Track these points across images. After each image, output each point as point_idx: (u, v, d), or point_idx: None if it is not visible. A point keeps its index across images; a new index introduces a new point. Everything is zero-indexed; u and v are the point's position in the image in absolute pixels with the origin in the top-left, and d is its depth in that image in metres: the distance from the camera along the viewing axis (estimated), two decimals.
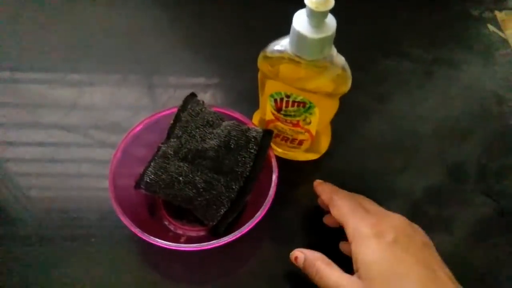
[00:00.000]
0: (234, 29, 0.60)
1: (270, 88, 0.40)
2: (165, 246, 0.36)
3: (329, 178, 0.42)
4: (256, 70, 0.40)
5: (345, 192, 0.39)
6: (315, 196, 0.41)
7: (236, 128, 0.40)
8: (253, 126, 0.42)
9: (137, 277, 0.41)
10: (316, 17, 0.32)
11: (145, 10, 0.62)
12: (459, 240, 0.43)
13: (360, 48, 0.55)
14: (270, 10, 0.61)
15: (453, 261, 0.33)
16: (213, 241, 0.36)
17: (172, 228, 0.42)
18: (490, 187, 0.47)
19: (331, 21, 0.33)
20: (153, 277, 0.41)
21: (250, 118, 0.47)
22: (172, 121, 0.41)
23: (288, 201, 0.44)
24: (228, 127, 0.40)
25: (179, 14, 0.62)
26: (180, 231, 0.42)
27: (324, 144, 0.48)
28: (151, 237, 0.36)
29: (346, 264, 0.35)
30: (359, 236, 0.34)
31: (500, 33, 0.61)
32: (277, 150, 0.47)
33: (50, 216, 0.44)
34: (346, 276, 0.34)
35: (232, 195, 0.39)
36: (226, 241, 0.36)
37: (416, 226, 0.35)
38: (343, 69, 0.37)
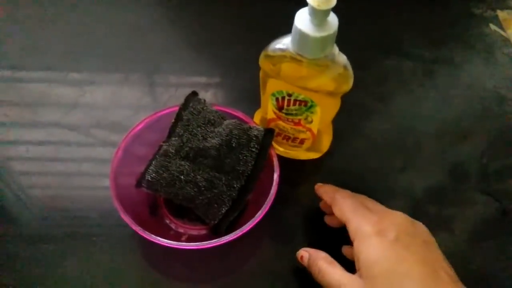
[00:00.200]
0: (235, 28, 0.60)
1: (271, 87, 0.40)
2: (167, 244, 0.36)
3: (330, 177, 0.42)
4: (257, 68, 0.40)
5: (347, 191, 0.39)
6: (316, 195, 0.41)
7: (238, 127, 0.40)
8: (254, 125, 0.42)
9: (138, 276, 0.41)
10: (318, 16, 0.32)
11: (147, 9, 0.62)
12: (460, 240, 0.43)
13: (361, 47, 0.55)
14: (272, 9, 0.61)
15: (454, 261, 0.33)
16: (214, 240, 0.36)
17: (173, 227, 0.42)
18: (491, 187, 0.47)
19: (333, 20, 0.33)
20: (154, 276, 0.41)
21: (252, 117, 0.47)
22: (173, 120, 0.41)
23: (289, 200, 0.44)
24: (230, 126, 0.40)
25: (180, 13, 0.62)
26: (181, 230, 0.42)
27: (326, 143, 0.48)
28: (153, 236, 0.36)
29: (348, 264, 0.35)
30: (361, 234, 0.34)
31: (502, 32, 0.61)
32: (279, 149, 0.47)
33: (51, 215, 0.44)
34: (347, 275, 0.34)
35: (234, 194, 0.39)
36: (227, 240, 0.36)
37: (418, 223, 0.35)
38: (345, 68, 0.37)
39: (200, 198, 0.39)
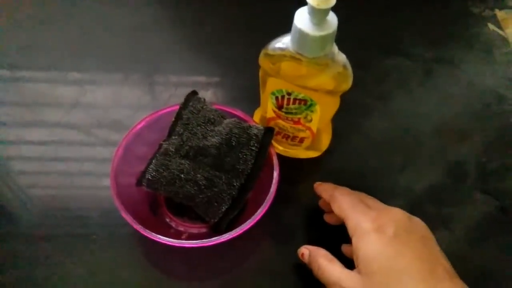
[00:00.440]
0: (235, 27, 0.60)
1: (271, 86, 0.40)
2: (167, 242, 0.36)
3: (329, 176, 0.42)
4: (257, 67, 0.40)
5: (346, 188, 0.39)
6: (316, 194, 0.41)
7: (238, 126, 0.40)
8: (254, 124, 0.42)
9: (138, 274, 0.41)
10: (318, 15, 0.32)
11: (147, 9, 0.62)
12: (460, 239, 0.44)
13: (360, 46, 0.55)
14: (271, 8, 0.61)
15: (453, 259, 0.33)
16: (214, 238, 0.36)
17: (173, 225, 0.42)
18: (491, 185, 0.47)
19: (332, 19, 0.34)
20: (155, 274, 0.41)
21: (251, 115, 0.47)
22: (173, 119, 0.41)
23: (288, 199, 0.44)
24: (230, 125, 0.40)
25: (180, 13, 0.62)
26: (181, 228, 0.42)
27: (325, 142, 0.48)
28: (153, 234, 0.36)
29: (347, 262, 0.35)
30: (360, 231, 0.34)
31: (500, 32, 0.61)
32: (278, 147, 0.47)
33: (52, 214, 0.44)
34: (346, 271, 0.34)
35: (234, 193, 0.39)
36: (227, 238, 0.36)
37: (416, 219, 0.35)
38: (344, 67, 0.37)
39: (200, 196, 0.39)
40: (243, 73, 0.50)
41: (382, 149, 0.49)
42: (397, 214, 0.35)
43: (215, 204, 0.39)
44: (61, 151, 0.48)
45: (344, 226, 0.36)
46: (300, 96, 0.39)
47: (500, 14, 0.63)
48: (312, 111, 0.40)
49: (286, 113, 0.42)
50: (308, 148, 0.47)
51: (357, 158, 0.49)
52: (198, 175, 0.39)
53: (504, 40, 0.60)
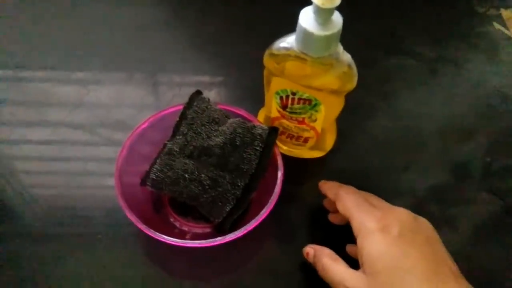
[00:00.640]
0: (239, 26, 0.60)
1: (275, 85, 0.40)
2: (171, 242, 0.36)
3: (333, 176, 0.42)
4: (261, 67, 0.40)
5: (351, 187, 0.39)
6: (320, 194, 0.41)
7: (242, 125, 0.40)
8: (258, 124, 0.42)
9: (142, 273, 0.41)
10: (323, 14, 0.32)
11: (151, 9, 0.62)
12: (464, 239, 0.43)
13: (364, 46, 0.55)
14: (276, 8, 0.61)
15: (458, 259, 0.33)
16: (218, 238, 0.36)
17: (177, 225, 0.42)
18: (495, 185, 0.47)
19: (337, 18, 0.33)
20: (159, 273, 0.41)
21: (255, 115, 0.47)
22: (178, 119, 0.41)
23: (293, 199, 0.44)
24: (234, 124, 0.40)
25: (184, 13, 0.62)
26: (185, 228, 0.42)
27: (329, 141, 0.48)
28: (157, 234, 0.36)
29: (352, 262, 0.35)
30: (365, 230, 0.34)
31: (506, 31, 0.60)
32: (282, 147, 0.47)
33: (56, 214, 0.44)
34: (350, 271, 0.34)
35: (238, 192, 0.39)
36: (231, 238, 0.36)
37: (422, 219, 0.35)
38: (349, 66, 0.37)
39: (205, 196, 0.39)
40: (247, 72, 0.50)
41: (386, 149, 0.49)
42: (402, 214, 0.35)
43: (219, 204, 0.39)
44: (65, 151, 0.48)
45: (349, 226, 0.36)
46: (304, 96, 0.39)
47: (505, 13, 0.62)
48: (316, 111, 0.40)
49: (290, 112, 0.42)
50: (313, 148, 0.47)
51: (361, 158, 0.49)
52: (203, 175, 0.39)
53: (510, 39, 0.60)
